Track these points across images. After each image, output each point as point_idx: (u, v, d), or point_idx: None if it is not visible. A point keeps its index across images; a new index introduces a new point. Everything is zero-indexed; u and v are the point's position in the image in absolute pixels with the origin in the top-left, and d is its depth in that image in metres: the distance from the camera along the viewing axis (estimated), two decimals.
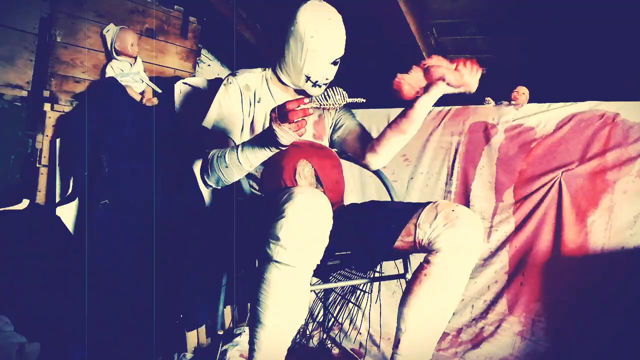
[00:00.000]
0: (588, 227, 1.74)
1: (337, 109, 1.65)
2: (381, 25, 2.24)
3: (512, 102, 2.08)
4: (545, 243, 1.81)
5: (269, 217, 1.17)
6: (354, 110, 1.76)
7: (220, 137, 1.48)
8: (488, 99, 2.16)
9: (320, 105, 1.34)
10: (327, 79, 1.49)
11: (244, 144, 1.30)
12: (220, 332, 1.77)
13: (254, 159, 1.29)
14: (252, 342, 1.19)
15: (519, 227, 1.88)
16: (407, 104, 1.43)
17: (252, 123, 1.53)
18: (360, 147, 1.63)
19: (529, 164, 1.91)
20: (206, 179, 1.41)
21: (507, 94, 2.13)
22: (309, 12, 1.42)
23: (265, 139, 1.23)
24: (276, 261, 1.12)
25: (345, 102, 1.36)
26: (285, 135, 1.17)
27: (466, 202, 2.03)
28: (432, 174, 2.16)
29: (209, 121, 1.49)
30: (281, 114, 1.15)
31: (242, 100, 1.51)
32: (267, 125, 1.53)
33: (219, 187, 1.43)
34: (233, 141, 1.49)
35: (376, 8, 2.13)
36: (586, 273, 1.71)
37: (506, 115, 2.02)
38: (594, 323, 1.66)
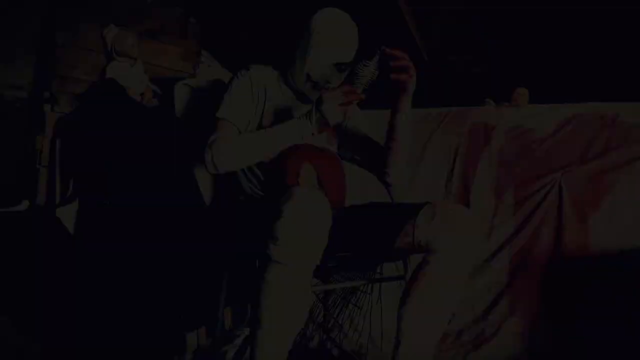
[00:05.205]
0: (588, 228, 1.74)
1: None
2: (381, 25, 2.24)
3: (513, 103, 2.08)
4: (546, 244, 1.81)
5: (268, 217, 1.17)
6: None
7: (232, 125, 1.47)
8: (488, 100, 2.16)
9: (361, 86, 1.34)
10: (328, 82, 1.47)
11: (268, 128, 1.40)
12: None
13: (280, 139, 1.37)
14: (252, 344, 1.19)
15: (519, 228, 1.88)
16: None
17: (261, 119, 1.51)
18: (368, 156, 1.64)
19: (529, 165, 1.91)
20: (215, 159, 1.37)
21: (507, 95, 2.13)
22: (323, 13, 1.46)
23: (306, 117, 1.34)
24: (275, 261, 1.12)
25: (374, 77, 1.35)
26: (333, 112, 1.29)
27: (466, 203, 2.03)
28: (433, 175, 2.16)
29: (221, 112, 1.48)
30: (336, 93, 1.28)
31: (252, 96, 1.51)
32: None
33: (221, 172, 1.41)
34: (245, 129, 1.48)
35: (376, 8, 2.13)
36: (586, 274, 1.71)
37: (506, 116, 2.02)
38: (594, 324, 1.66)
